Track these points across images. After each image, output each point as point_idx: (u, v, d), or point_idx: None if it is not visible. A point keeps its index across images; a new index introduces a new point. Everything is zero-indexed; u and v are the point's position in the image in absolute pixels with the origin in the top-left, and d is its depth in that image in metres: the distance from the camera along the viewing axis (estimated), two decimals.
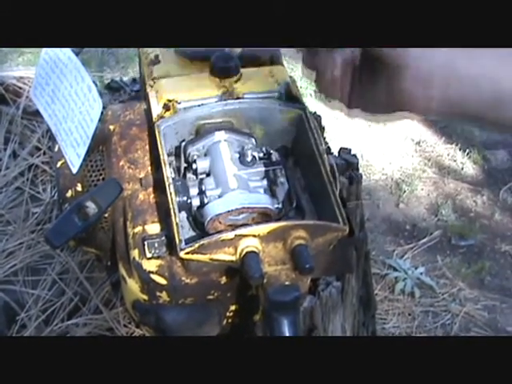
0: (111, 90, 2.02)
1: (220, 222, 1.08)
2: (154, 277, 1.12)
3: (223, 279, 1.12)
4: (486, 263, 3.40)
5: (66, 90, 1.29)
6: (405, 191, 3.74)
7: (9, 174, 1.66)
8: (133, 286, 1.16)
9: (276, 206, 1.12)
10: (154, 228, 1.17)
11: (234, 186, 1.09)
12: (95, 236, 1.28)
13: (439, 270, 3.35)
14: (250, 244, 1.03)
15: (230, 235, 1.02)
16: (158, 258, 1.13)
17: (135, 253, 1.14)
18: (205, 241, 1.03)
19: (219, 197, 1.10)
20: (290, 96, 1.24)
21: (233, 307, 1.19)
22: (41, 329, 1.39)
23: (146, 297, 1.15)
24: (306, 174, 1.22)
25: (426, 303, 3.18)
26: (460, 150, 3.81)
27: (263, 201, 1.08)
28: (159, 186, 1.18)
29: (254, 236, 1.03)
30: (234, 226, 1.07)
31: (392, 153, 3.96)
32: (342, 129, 3.85)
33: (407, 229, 3.60)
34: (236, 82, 1.23)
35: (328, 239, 1.07)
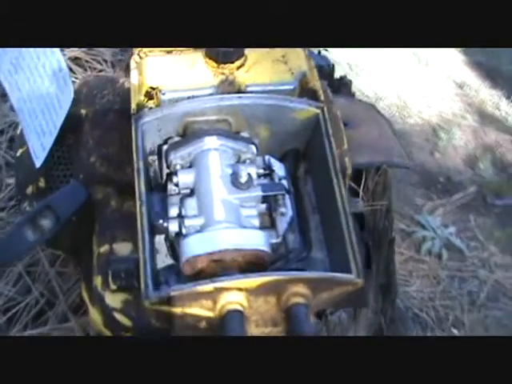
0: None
1: (199, 263, 0.85)
2: (118, 316, 0.91)
3: (203, 323, 0.90)
4: None
5: (32, 61, 1.05)
6: (442, 139, 3.47)
7: None
8: (95, 316, 0.95)
9: (274, 240, 0.89)
10: (123, 248, 0.95)
11: (220, 216, 0.86)
12: (60, 241, 1.07)
13: (471, 232, 3.13)
14: (232, 300, 0.80)
15: (208, 287, 0.80)
16: (124, 290, 0.91)
17: (98, 281, 0.92)
18: (176, 292, 0.80)
19: (200, 229, 0.86)
20: (306, 89, 0.99)
21: None
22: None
23: (109, 333, 0.94)
24: (319, 188, 0.99)
25: (454, 267, 2.98)
26: (505, 97, 3.50)
27: (255, 240, 0.84)
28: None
29: (240, 289, 0.80)
30: (217, 270, 0.85)
31: (431, 95, 3.68)
32: (378, 66, 3.56)
33: (441, 181, 3.36)
34: (238, 68, 0.97)
35: (335, 294, 0.84)
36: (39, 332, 1.15)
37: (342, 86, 1.64)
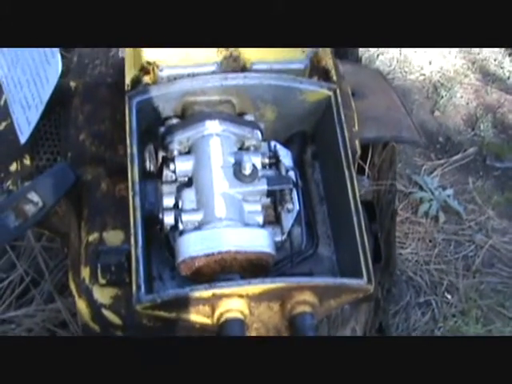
0: None
1: (197, 263, 0.78)
2: (107, 313, 0.84)
3: (199, 329, 0.83)
4: None
5: None
6: (442, 97, 3.38)
7: None
8: (82, 309, 0.88)
9: (278, 238, 0.81)
10: (114, 237, 0.87)
11: (221, 212, 0.78)
12: (48, 220, 0.99)
13: (469, 194, 3.07)
14: (232, 307, 0.73)
15: (206, 293, 0.73)
16: (114, 285, 0.84)
17: (86, 272, 0.85)
18: (170, 297, 0.73)
19: (199, 226, 0.79)
20: (317, 67, 0.90)
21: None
22: None
23: (96, 327, 0.88)
24: (328, 177, 0.91)
25: (450, 230, 2.92)
26: (509, 55, 3.39)
27: (259, 241, 0.77)
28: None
29: (241, 296, 0.73)
30: (216, 270, 0.77)
31: (433, 50, 3.57)
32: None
33: (440, 141, 3.28)
34: None
35: (343, 301, 0.77)
36: (24, 313, 1.08)
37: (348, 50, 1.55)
